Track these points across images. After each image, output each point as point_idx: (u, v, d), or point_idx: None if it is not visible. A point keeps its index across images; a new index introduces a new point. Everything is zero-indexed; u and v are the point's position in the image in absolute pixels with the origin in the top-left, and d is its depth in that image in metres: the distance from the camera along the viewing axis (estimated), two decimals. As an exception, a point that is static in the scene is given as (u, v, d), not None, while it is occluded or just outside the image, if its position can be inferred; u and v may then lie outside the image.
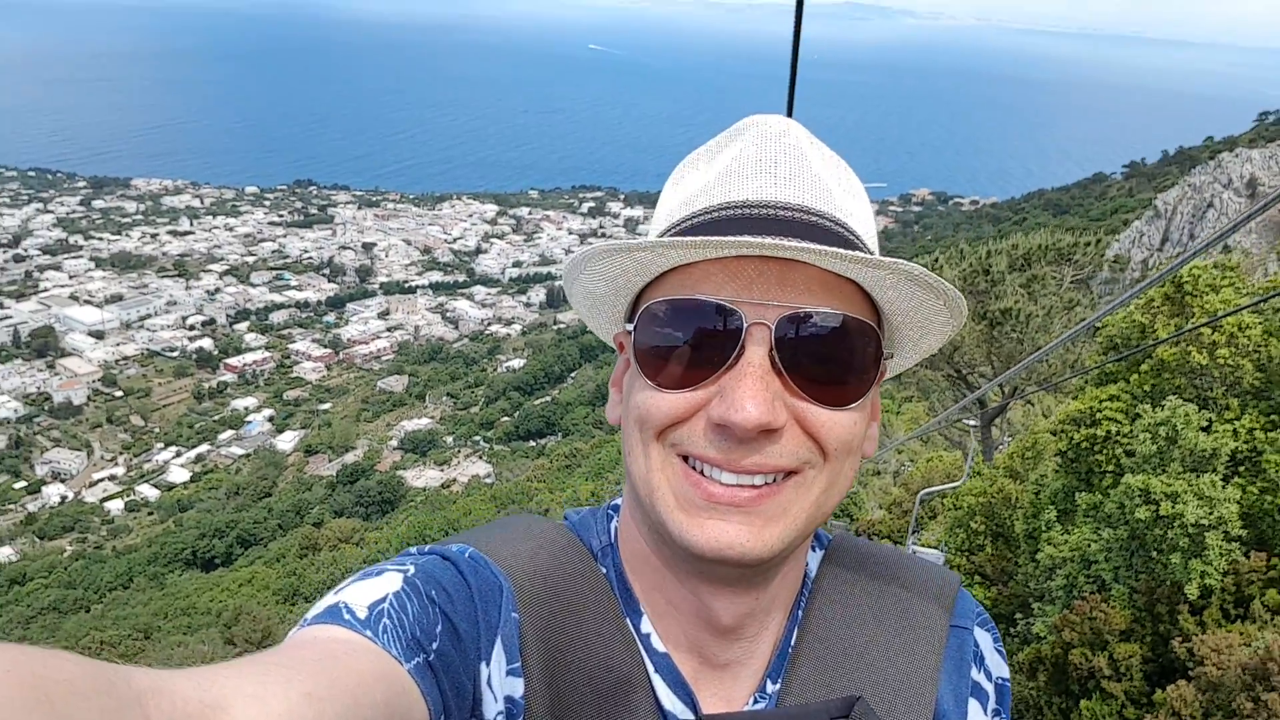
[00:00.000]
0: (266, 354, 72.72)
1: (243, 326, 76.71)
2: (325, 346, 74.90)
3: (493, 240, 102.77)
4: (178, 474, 58.95)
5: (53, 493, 55.74)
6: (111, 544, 50.61)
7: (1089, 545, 10.18)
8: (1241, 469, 9.98)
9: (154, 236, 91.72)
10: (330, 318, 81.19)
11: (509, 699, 0.91)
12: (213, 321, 76.13)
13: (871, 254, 0.88)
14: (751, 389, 0.83)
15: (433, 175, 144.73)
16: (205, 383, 68.61)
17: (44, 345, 69.00)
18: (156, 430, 63.73)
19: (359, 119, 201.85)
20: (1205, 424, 9.87)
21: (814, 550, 1.11)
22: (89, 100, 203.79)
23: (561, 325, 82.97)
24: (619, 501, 1.11)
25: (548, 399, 68.68)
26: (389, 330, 79.97)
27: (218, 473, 59.36)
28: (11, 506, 54.74)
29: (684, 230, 0.92)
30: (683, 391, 0.88)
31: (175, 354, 70.67)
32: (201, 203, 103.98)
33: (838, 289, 0.88)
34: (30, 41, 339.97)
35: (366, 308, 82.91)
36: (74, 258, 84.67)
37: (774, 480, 0.87)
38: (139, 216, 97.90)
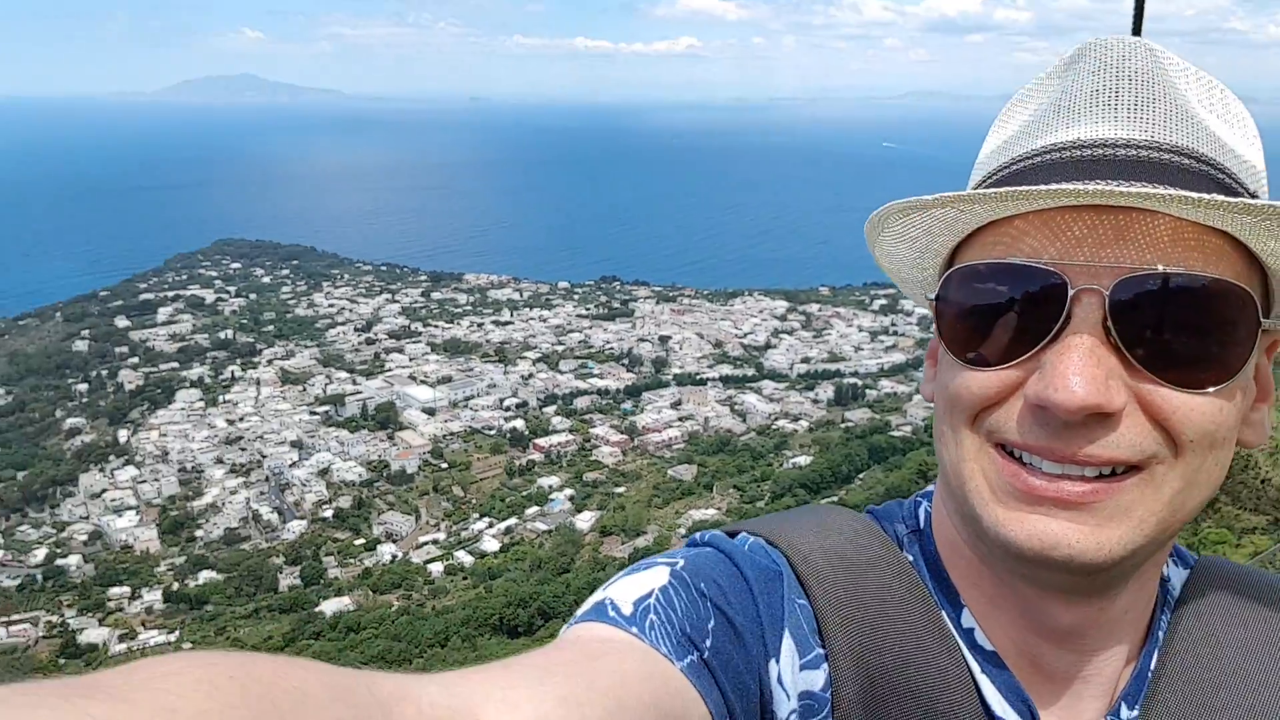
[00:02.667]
0: (570, 436, 77.27)
1: (550, 410, 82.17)
2: (622, 433, 78.42)
3: (782, 336, 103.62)
4: (489, 543, 63.66)
5: (385, 551, 61.84)
6: (432, 603, 55.21)
7: None
8: None
9: (480, 325, 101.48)
10: (627, 405, 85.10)
11: (806, 694, 0.81)
12: (525, 404, 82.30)
13: (1247, 197, 0.73)
14: (1078, 364, 0.70)
15: (726, 272, 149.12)
16: (516, 460, 73.93)
17: (386, 418, 77.77)
18: (473, 501, 69.46)
19: (658, 220, 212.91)
20: None
21: (1179, 567, 0.97)
22: (430, 204, 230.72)
23: (850, 424, 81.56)
24: (931, 489, 0.99)
25: (835, 498, 67.50)
26: (680, 420, 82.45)
27: (524, 545, 63.45)
28: (352, 561, 61.54)
29: (999, 180, 0.81)
30: (997, 369, 0.76)
31: (493, 432, 77.03)
32: (520, 295, 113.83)
33: (1198, 243, 0.72)
34: (383, 154, 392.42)
35: (660, 397, 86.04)
36: (414, 342, 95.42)
37: (1112, 474, 0.74)
38: (468, 307, 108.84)
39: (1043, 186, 0.69)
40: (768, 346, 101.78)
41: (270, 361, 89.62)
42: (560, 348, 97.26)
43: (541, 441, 76.24)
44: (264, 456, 71.43)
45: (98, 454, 70.80)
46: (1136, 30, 2.09)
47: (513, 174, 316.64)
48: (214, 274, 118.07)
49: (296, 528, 63.31)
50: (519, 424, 78.62)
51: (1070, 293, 0.71)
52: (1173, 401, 0.72)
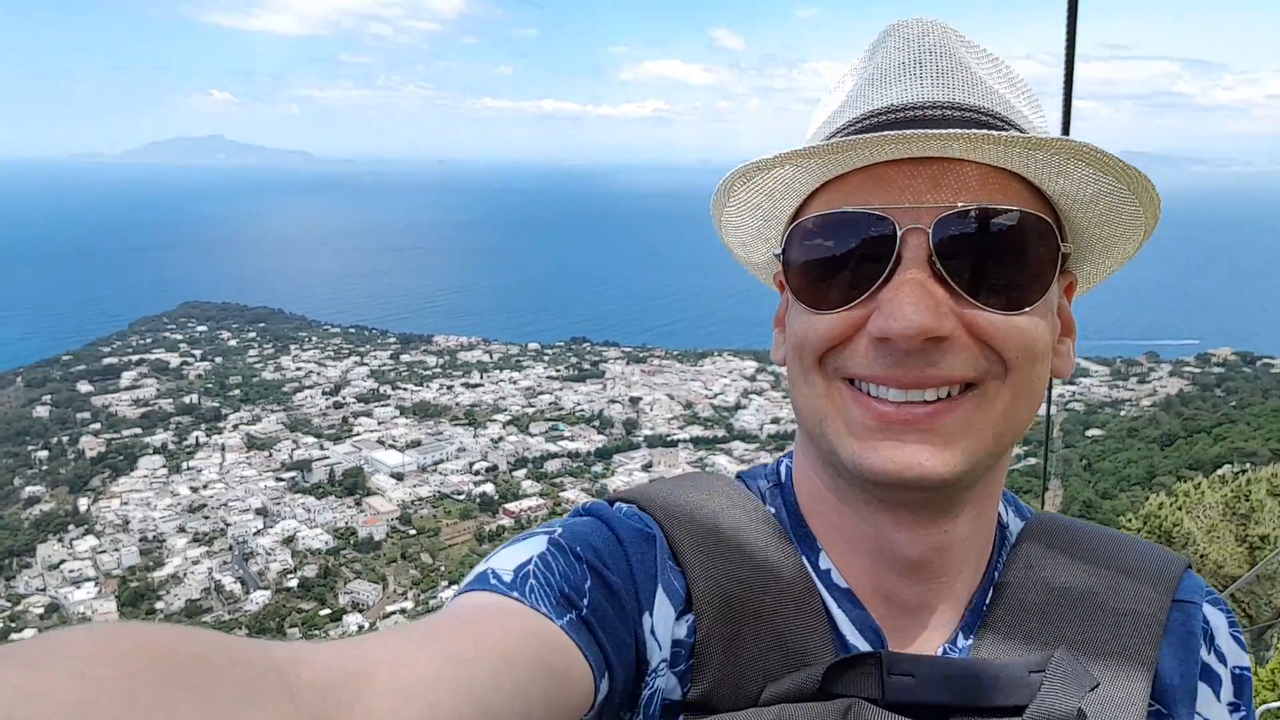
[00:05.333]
0: (540, 500, 76.58)
1: (520, 473, 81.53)
2: (593, 496, 77.58)
3: (752, 396, 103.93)
4: (459, 612, 62.49)
5: (352, 621, 60.49)
6: (400, 674, 54.02)
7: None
8: None
9: (449, 388, 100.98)
10: (598, 468, 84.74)
11: (676, 643, 0.88)
12: (495, 468, 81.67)
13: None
14: (910, 296, 0.78)
15: (695, 333, 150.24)
16: (486, 525, 73.02)
17: (354, 484, 76.76)
18: (442, 568, 68.33)
19: (627, 280, 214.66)
20: None
21: (1016, 517, 1.06)
22: (399, 266, 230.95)
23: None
24: (793, 450, 1.06)
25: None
26: (651, 482, 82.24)
27: (493, 613, 62.36)
28: (317, 632, 59.95)
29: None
30: (839, 311, 0.83)
31: (462, 497, 76.30)
32: (490, 357, 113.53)
33: (1000, 185, 0.81)
34: (351, 216, 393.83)
35: (631, 459, 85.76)
36: (383, 405, 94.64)
37: (950, 395, 0.82)
38: (438, 369, 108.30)
39: (867, 135, 0.77)
40: (738, 407, 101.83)
41: (236, 426, 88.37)
42: (530, 410, 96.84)
43: (512, 506, 75.25)
44: (228, 525, 70.05)
45: (57, 523, 69.03)
46: (1067, 102, 2.38)
47: (482, 235, 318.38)
48: (179, 337, 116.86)
49: (260, 598, 61.87)
50: (489, 488, 77.91)
51: (898, 234, 0.79)
52: (995, 323, 0.80)
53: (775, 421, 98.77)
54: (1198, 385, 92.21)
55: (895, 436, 0.81)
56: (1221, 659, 0.98)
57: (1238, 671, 0.99)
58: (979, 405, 0.82)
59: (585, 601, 0.79)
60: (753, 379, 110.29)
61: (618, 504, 0.97)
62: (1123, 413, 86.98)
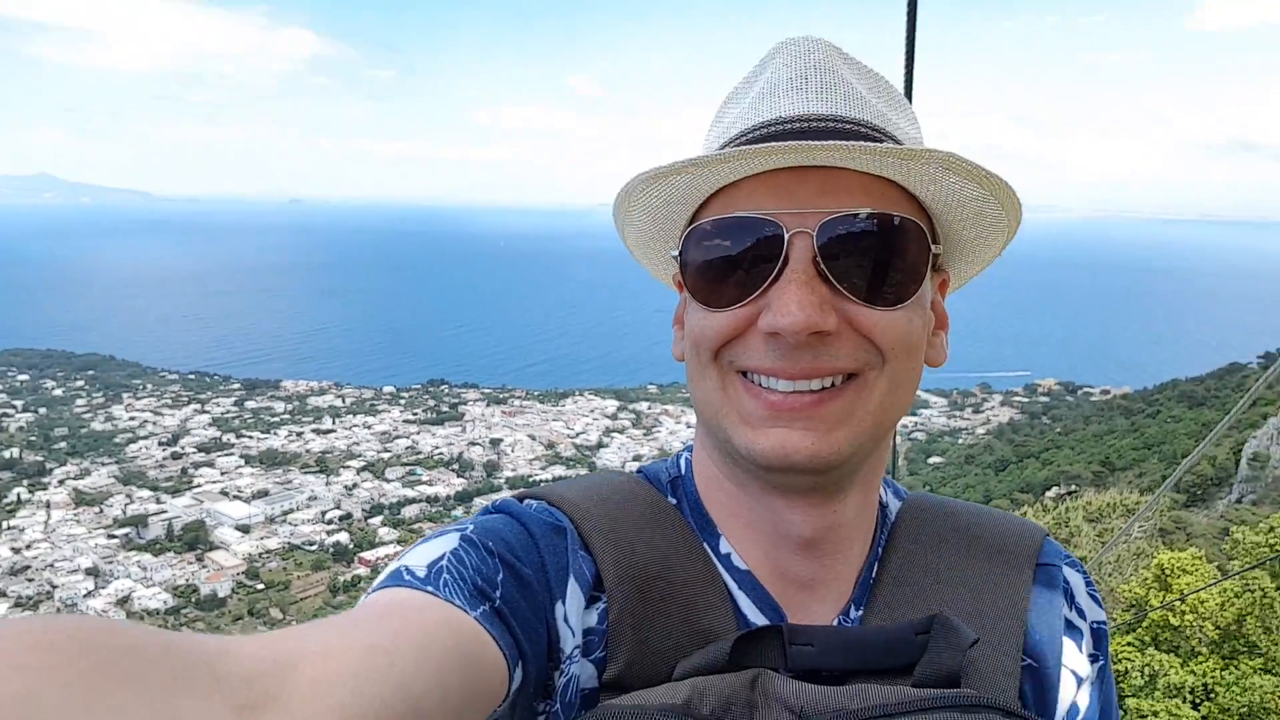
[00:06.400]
0: (398, 548, 74.25)
1: (376, 520, 78.95)
2: (453, 541, 76.39)
3: (614, 434, 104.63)
4: (311, 668, 59.89)
5: (194, 685, 57.12)
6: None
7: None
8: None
9: (299, 435, 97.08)
10: (458, 511, 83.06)
11: (588, 630, 0.91)
12: (349, 516, 78.85)
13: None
14: (797, 294, 0.83)
15: (556, 373, 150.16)
16: (340, 576, 70.36)
17: (195, 539, 72.61)
18: (293, 623, 65.11)
19: (487, 321, 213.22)
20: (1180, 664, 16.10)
21: (895, 497, 1.13)
22: (244, 309, 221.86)
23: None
24: (692, 444, 1.12)
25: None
26: (557, 480, 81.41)
27: (349, 668, 60.06)
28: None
29: None
30: (733, 309, 0.89)
31: (314, 547, 73.22)
32: (343, 402, 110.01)
33: (879, 192, 0.88)
34: (193, 258, 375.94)
35: (492, 501, 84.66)
36: (226, 454, 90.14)
37: (834, 384, 0.88)
38: (286, 416, 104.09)
39: (756, 145, 0.83)
40: (600, 445, 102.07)
41: (62, 482, 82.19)
42: (386, 455, 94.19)
43: (368, 555, 72.59)
44: (55, 586, 64.74)
45: None
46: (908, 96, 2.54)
47: (334, 276, 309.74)
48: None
49: (90, 665, 57.45)
50: (343, 537, 74.97)
51: (786, 237, 0.85)
52: (873, 318, 0.87)
53: (637, 459, 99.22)
54: (1026, 414, 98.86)
55: (784, 423, 0.86)
56: (1081, 614, 1.06)
57: (1096, 626, 1.07)
58: (859, 393, 0.88)
59: (498, 593, 0.82)
60: (614, 417, 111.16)
61: (527, 500, 1.01)
62: (960, 440, 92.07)
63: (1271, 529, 19.27)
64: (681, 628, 0.92)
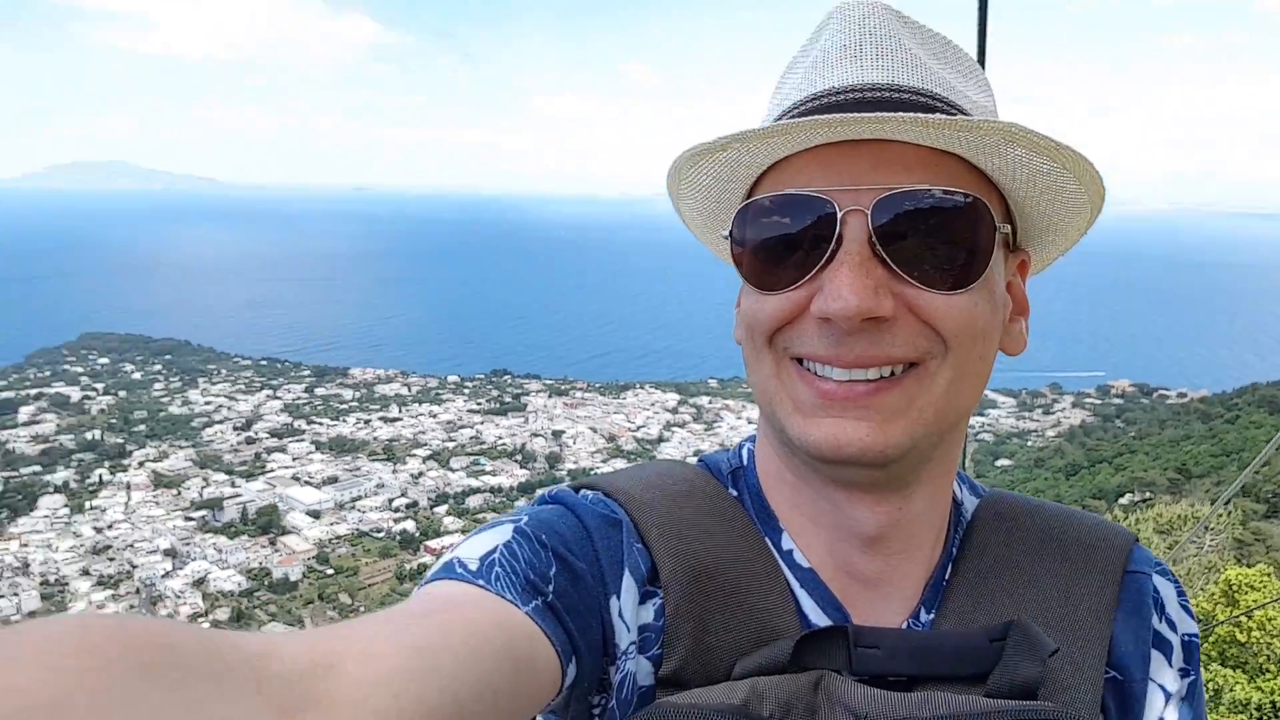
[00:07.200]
0: (462, 537, 75.45)
1: (442, 510, 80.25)
2: (516, 532, 77.05)
3: (674, 429, 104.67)
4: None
5: (267, 666, 58.62)
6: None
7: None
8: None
9: (367, 422, 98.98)
10: (521, 502, 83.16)
11: (644, 627, 0.89)
12: (415, 504, 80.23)
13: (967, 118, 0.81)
14: (849, 277, 0.79)
15: (617, 365, 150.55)
16: (407, 564, 71.64)
17: (268, 523, 74.57)
18: (361, 609, 66.65)
19: (548, 311, 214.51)
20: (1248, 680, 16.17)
21: (971, 495, 1.09)
22: (313, 297, 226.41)
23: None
24: (754, 433, 1.09)
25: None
26: (615, 470, 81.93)
27: (415, 654, 61.13)
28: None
29: None
30: (785, 291, 0.85)
31: (382, 535, 74.74)
32: (409, 390, 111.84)
33: (940, 166, 0.83)
34: (262, 245, 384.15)
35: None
36: (297, 440, 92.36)
37: (893, 374, 0.84)
38: (354, 403, 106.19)
39: (801, 120, 0.79)
40: (661, 440, 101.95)
41: (141, 464, 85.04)
42: (451, 444, 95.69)
43: (433, 543, 73.74)
44: (134, 566, 67.19)
45: (-53, 568, 65.32)
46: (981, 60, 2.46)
47: (399, 265, 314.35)
48: (80, 370, 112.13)
49: (170, 644, 59.35)
50: (409, 525, 76.52)
51: (839, 215, 0.81)
52: (934, 303, 0.82)
53: (698, 453, 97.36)
54: (1099, 416, 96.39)
55: (837, 413, 0.83)
56: (1172, 626, 1.01)
57: (1187, 638, 1.02)
58: (920, 383, 0.84)
59: (551, 588, 0.80)
60: (675, 411, 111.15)
61: (583, 491, 0.99)
62: (1029, 443, 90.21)
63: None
64: (741, 626, 0.90)
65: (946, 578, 0.98)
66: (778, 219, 0.85)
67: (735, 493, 1.02)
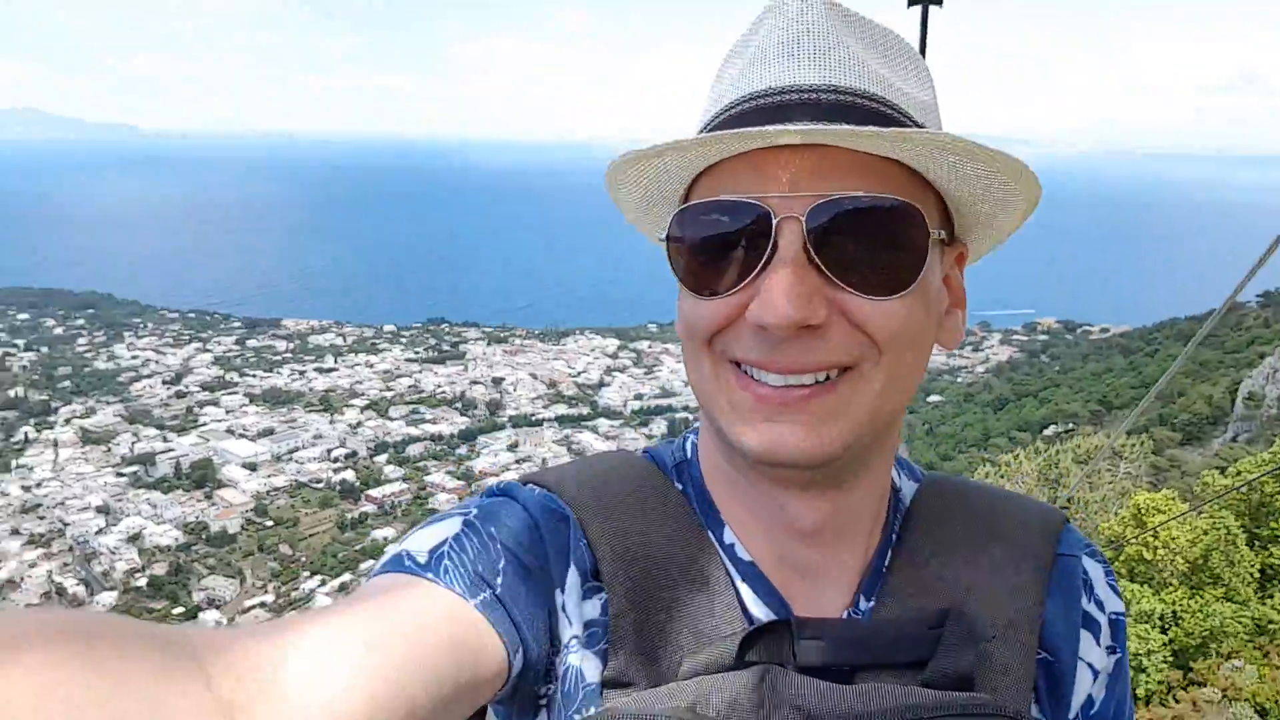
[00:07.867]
0: (404, 485, 75.64)
1: (382, 459, 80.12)
2: (458, 478, 77.30)
3: (614, 374, 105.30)
4: (323, 602, 60.90)
5: (208, 618, 58.32)
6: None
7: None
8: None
9: (302, 373, 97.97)
10: (462, 450, 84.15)
11: (589, 622, 0.90)
12: (355, 454, 79.92)
13: (912, 127, 0.82)
14: (784, 285, 0.79)
15: (556, 311, 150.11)
16: (348, 513, 71.68)
17: (202, 477, 73.73)
18: (303, 559, 66.66)
19: (485, 259, 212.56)
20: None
21: (909, 480, 1.09)
22: (241, 246, 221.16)
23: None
24: (698, 425, 1.08)
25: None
26: (518, 462, 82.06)
27: (359, 601, 61.44)
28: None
29: (713, 129, 0.87)
30: (722, 297, 0.84)
31: (321, 485, 74.42)
32: (344, 340, 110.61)
33: (876, 172, 0.82)
34: (186, 194, 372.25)
35: (496, 440, 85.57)
36: (230, 393, 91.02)
37: (827, 378, 0.83)
38: (288, 354, 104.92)
39: (725, 132, 0.78)
40: (601, 384, 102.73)
41: (68, 420, 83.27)
42: (389, 393, 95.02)
43: (374, 492, 74.10)
44: (66, 525, 66.11)
45: None
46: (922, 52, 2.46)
47: (328, 214, 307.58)
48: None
49: (107, 599, 58.76)
50: (349, 475, 76.25)
51: (774, 222, 0.80)
52: (866, 309, 0.81)
53: (639, 398, 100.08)
54: (1025, 352, 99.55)
55: (773, 418, 0.83)
56: (1100, 606, 1.04)
57: (1114, 617, 1.04)
58: (854, 388, 0.84)
59: (499, 580, 0.81)
60: (615, 356, 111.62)
61: (529, 485, 0.99)
62: (959, 380, 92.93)
63: (1239, 472, 21.22)
64: (683, 622, 0.90)
65: (886, 565, 0.99)
66: (713, 224, 0.85)
67: (680, 486, 1.03)
